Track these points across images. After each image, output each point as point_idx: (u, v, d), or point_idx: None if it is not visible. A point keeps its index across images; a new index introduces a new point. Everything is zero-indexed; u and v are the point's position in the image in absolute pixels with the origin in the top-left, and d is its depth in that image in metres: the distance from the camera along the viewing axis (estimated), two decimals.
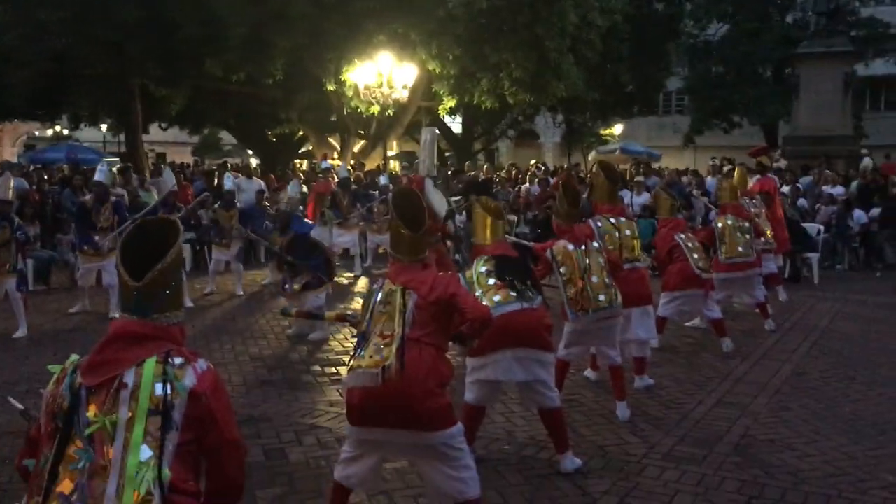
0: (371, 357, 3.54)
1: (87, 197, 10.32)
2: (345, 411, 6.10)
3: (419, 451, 3.82)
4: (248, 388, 6.85)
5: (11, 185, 9.33)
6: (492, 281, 4.73)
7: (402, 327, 3.57)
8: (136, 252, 2.47)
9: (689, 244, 7.67)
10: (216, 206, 12.10)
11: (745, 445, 5.50)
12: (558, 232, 5.71)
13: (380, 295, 3.73)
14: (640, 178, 15.71)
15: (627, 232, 6.52)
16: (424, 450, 3.77)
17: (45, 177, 16.70)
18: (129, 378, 2.34)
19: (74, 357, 2.48)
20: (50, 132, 34.29)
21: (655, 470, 5.06)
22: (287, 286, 8.93)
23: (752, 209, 9.89)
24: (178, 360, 2.41)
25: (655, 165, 23.23)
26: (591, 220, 6.53)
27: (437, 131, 5.61)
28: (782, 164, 17.72)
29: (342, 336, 8.82)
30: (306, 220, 10.79)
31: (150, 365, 2.36)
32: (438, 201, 5.04)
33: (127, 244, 2.52)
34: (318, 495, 4.68)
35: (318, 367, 7.51)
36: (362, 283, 12.54)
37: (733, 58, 27.29)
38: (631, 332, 6.51)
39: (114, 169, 19.68)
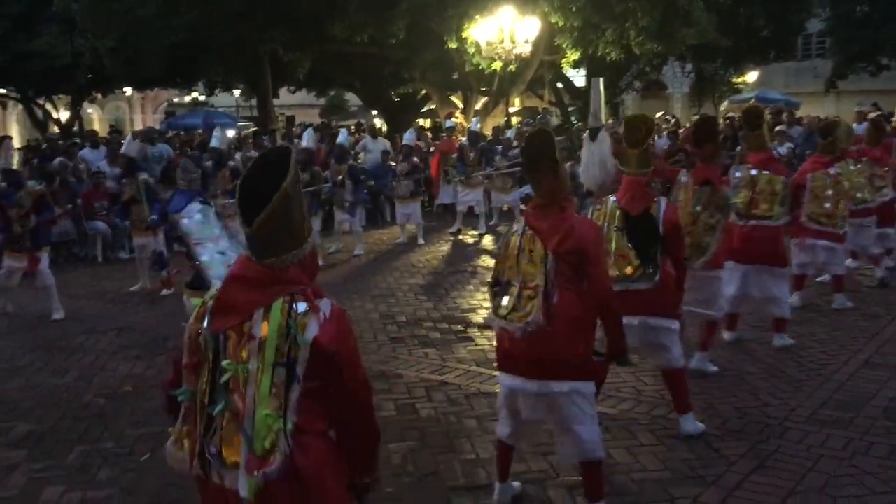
0: (516, 310, 3.63)
1: (209, 163, 10.74)
2: (472, 368, 6.22)
3: (551, 405, 3.77)
4: (379, 345, 7.02)
5: (133, 144, 9.90)
6: (617, 244, 4.58)
7: (544, 280, 3.58)
8: (252, 191, 2.42)
9: (828, 192, 7.22)
10: (332, 161, 12.32)
11: (895, 409, 5.18)
12: None
13: (522, 241, 3.70)
14: (782, 128, 14.85)
15: (764, 186, 6.17)
16: (556, 402, 3.73)
17: (187, 141, 17.54)
18: (257, 330, 2.38)
19: (213, 290, 2.54)
20: (188, 99, 36.00)
21: (797, 433, 4.85)
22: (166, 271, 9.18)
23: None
24: (301, 308, 2.39)
25: (795, 114, 21.90)
26: (732, 170, 6.34)
27: (601, 83, 5.43)
28: None
29: (467, 293, 8.88)
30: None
31: (276, 317, 2.37)
32: (605, 151, 4.96)
33: (244, 182, 2.47)
34: (448, 450, 4.76)
35: (446, 325, 7.60)
36: (487, 241, 12.56)
37: None
38: (751, 289, 6.25)
39: (245, 133, 20.48)
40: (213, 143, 11.05)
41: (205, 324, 2.46)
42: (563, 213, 3.71)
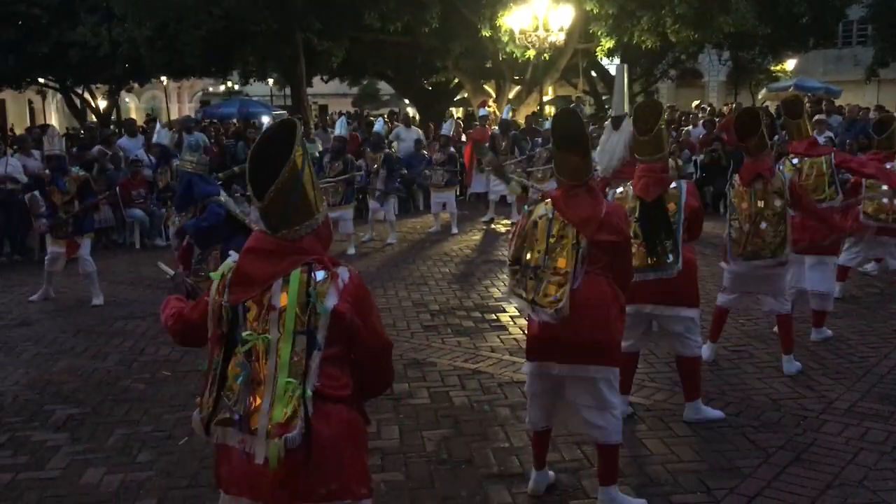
0: (546, 296, 3.62)
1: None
2: (505, 357, 6.22)
3: (578, 388, 3.77)
4: (412, 333, 7.05)
5: (164, 133, 10.02)
6: (635, 233, 4.53)
7: (573, 267, 3.58)
8: (261, 166, 2.47)
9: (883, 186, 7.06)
10: (367, 149, 12.34)
11: None
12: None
13: (552, 226, 3.68)
14: (821, 117, 14.58)
15: (809, 171, 6.08)
16: (583, 384, 3.74)
17: (222, 131, 17.70)
18: (276, 301, 2.43)
19: (230, 262, 2.58)
20: (222, 88, 36.32)
21: (836, 426, 4.78)
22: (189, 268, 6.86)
23: None
24: (320, 276, 2.45)
25: (835, 102, 21.49)
26: (777, 164, 6.25)
27: (624, 68, 5.23)
28: None
29: (500, 282, 8.88)
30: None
31: (295, 286, 2.42)
32: (622, 140, 4.90)
33: (253, 158, 2.52)
34: (482, 438, 4.77)
35: (478, 314, 7.61)
36: None
37: None
38: (804, 281, 6.15)
39: None
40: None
41: (225, 297, 2.51)
42: (592, 197, 3.70)
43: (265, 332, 2.44)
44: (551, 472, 4.16)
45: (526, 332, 3.96)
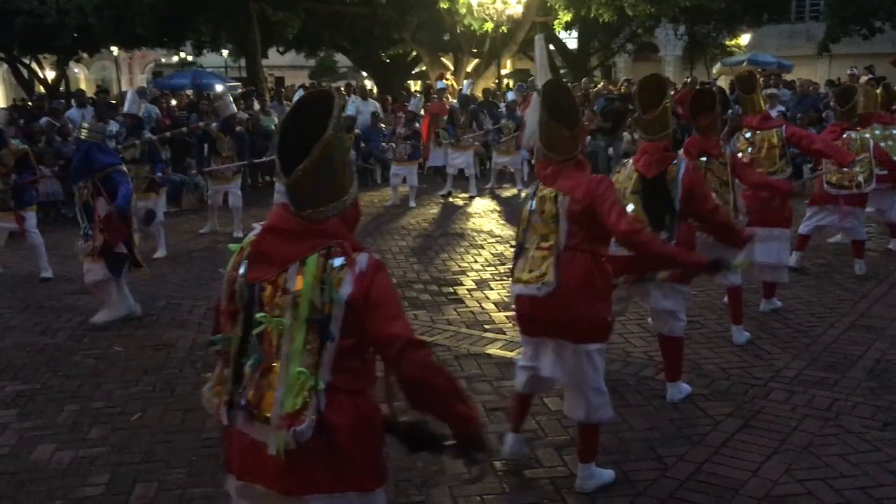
0: (531, 272, 3.63)
1: (214, 125, 10.57)
2: (462, 330, 6.25)
3: (568, 364, 3.72)
4: None
5: (137, 99, 9.77)
6: (635, 209, 4.48)
7: (556, 239, 3.59)
8: (291, 140, 2.30)
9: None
10: None
11: (880, 370, 5.25)
12: None
13: (534, 203, 3.69)
14: (773, 91, 14.77)
15: (761, 143, 6.17)
16: (572, 361, 3.69)
17: (174, 102, 17.34)
18: (292, 284, 2.29)
19: (250, 236, 2.43)
20: (175, 59, 35.53)
21: (782, 394, 4.90)
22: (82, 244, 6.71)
23: None
24: (337, 262, 2.29)
25: (787, 77, 21.78)
26: (732, 139, 6.31)
27: (543, 39, 5.06)
28: None
29: (457, 256, 8.89)
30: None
31: (311, 271, 2.27)
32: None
33: (283, 130, 2.35)
34: None
35: (435, 287, 7.62)
36: (477, 204, 12.56)
37: None
38: (753, 253, 6.22)
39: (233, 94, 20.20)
40: (233, 108, 10.75)
41: (241, 271, 2.38)
42: (580, 171, 3.66)
43: (279, 315, 2.30)
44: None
45: (515, 309, 3.91)
